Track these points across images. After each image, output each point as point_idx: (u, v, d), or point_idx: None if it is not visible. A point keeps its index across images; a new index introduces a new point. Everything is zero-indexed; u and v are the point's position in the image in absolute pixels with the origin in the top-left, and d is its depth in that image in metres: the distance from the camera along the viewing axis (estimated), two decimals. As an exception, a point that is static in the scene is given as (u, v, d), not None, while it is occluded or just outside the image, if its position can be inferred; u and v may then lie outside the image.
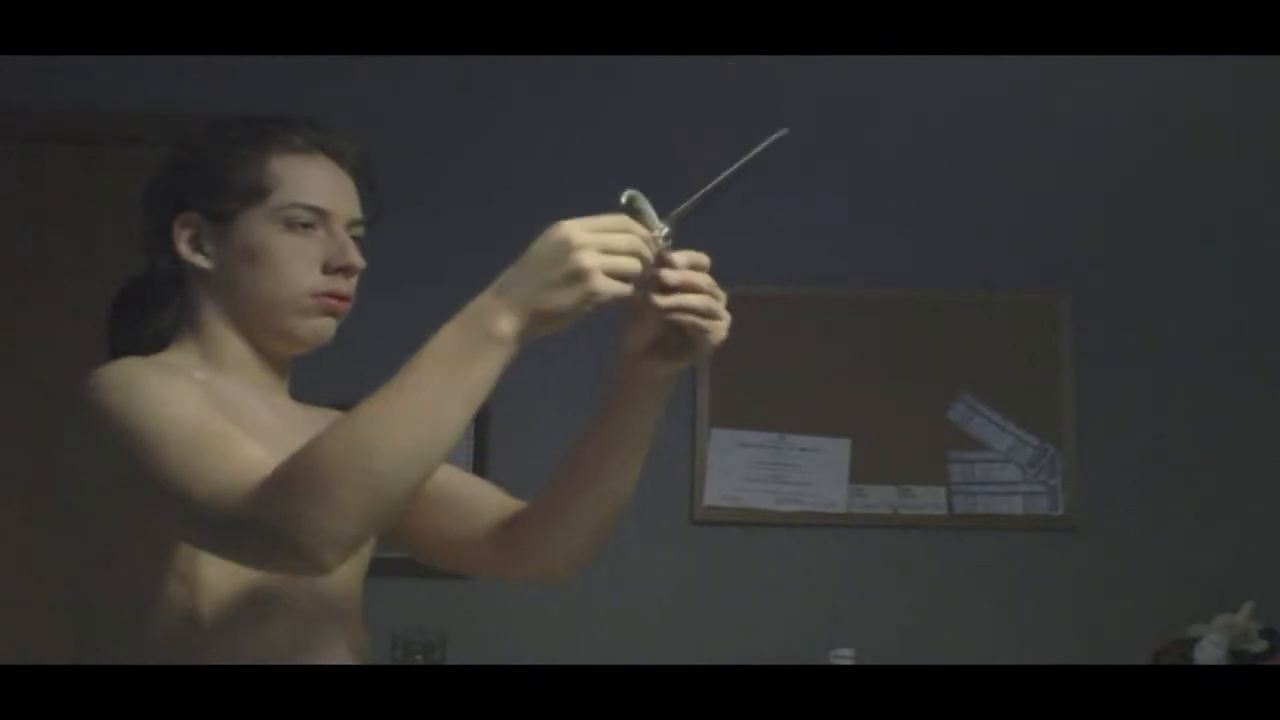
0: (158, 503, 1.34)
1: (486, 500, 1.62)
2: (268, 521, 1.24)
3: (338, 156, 1.56)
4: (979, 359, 3.38)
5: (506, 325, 1.27)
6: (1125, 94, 3.45)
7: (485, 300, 1.29)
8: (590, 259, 1.28)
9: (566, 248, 1.29)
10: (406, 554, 1.63)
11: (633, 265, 1.32)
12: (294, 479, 1.24)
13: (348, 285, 1.53)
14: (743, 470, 3.31)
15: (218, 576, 1.40)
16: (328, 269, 1.51)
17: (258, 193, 1.50)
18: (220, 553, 1.34)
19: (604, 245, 1.31)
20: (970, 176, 3.45)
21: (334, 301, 1.52)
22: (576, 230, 1.31)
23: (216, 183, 1.51)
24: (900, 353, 3.38)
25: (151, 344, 1.53)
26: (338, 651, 1.49)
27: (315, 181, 1.52)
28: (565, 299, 1.27)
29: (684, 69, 3.33)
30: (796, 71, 3.35)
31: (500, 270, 1.33)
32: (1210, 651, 2.73)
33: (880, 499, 3.32)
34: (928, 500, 3.32)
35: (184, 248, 1.52)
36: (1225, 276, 3.43)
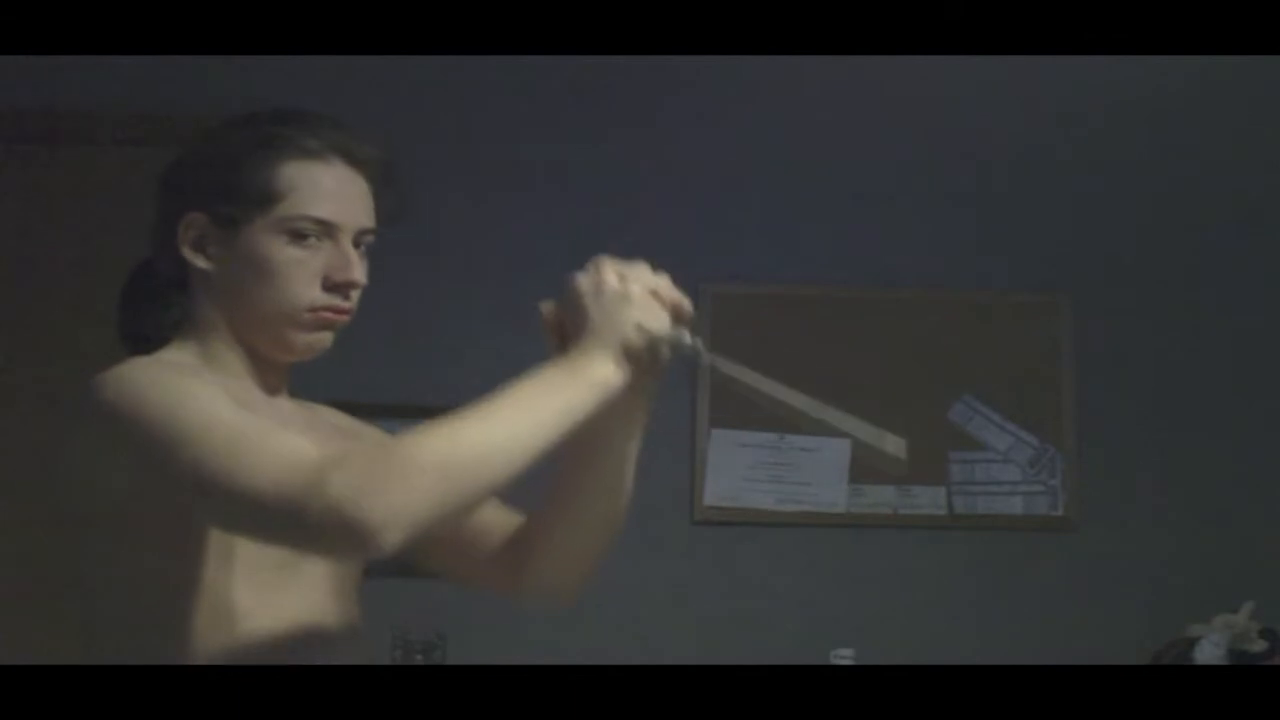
0: (197, 498, 1.33)
1: (493, 516, 1.62)
2: (333, 500, 1.23)
3: (354, 160, 1.53)
4: (979, 359, 3.38)
5: (597, 363, 1.38)
6: (1126, 94, 3.44)
7: (583, 349, 1.39)
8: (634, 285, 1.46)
9: (609, 282, 1.44)
10: (411, 561, 1.63)
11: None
12: (375, 459, 1.25)
13: (348, 301, 1.52)
14: (743, 470, 3.31)
15: (216, 574, 1.41)
16: (328, 284, 1.50)
17: (266, 200, 1.48)
18: (265, 537, 1.32)
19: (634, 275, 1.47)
20: (971, 177, 3.46)
21: (331, 316, 1.51)
22: (608, 266, 1.46)
23: (225, 186, 1.49)
24: (900, 353, 3.38)
25: (157, 336, 1.53)
26: (339, 628, 1.50)
27: (326, 191, 1.50)
28: (627, 320, 1.41)
29: (685, 69, 3.33)
30: (797, 72, 3.35)
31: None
32: (1210, 651, 2.73)
33: (880, 499, 3.32)
34: (928, 500, 3.32)
35: (187, 248, 1.52)
36: (1225, 276, 3.44)
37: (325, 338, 1.53)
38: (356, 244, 1.53)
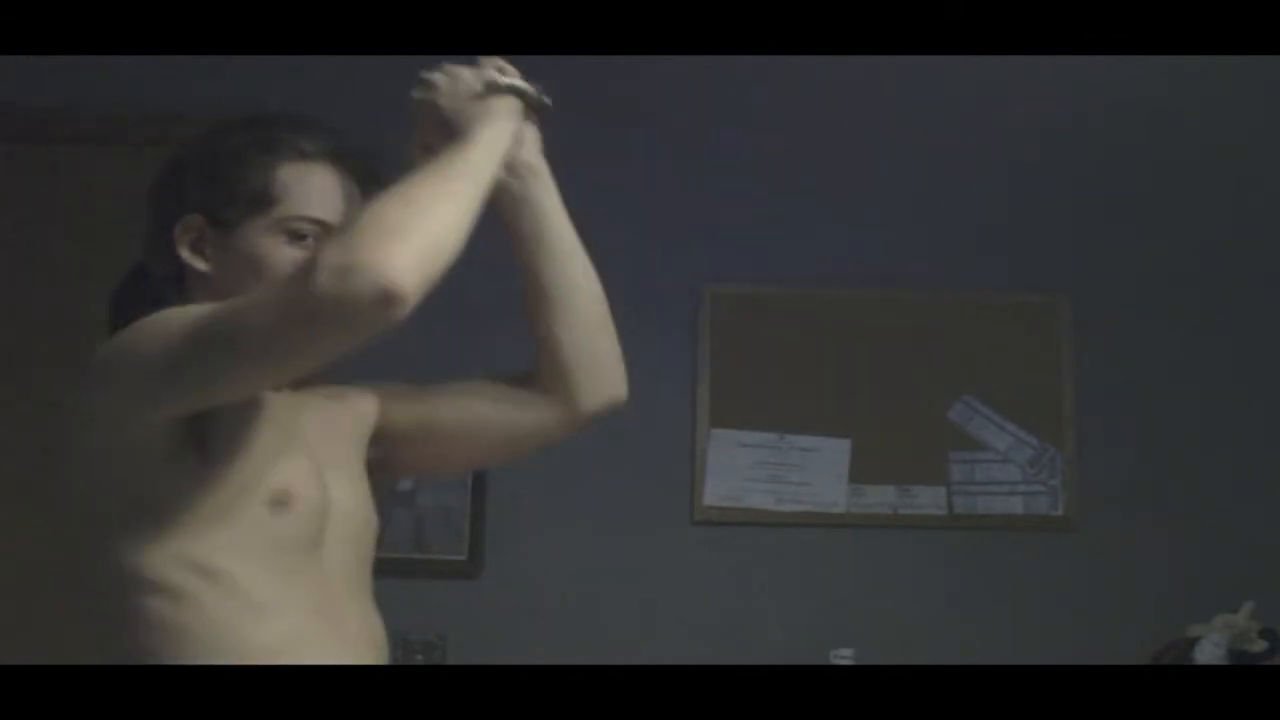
0: (207, 364, 1.34)
1: (504, 386, 1.69)
2: (344, 268, 1.25)
3: (349, 164, 1.55)
4: (979, 359, 3.38)
5: (479, 129, 1.47)
6: (1126, 94, 3.44)
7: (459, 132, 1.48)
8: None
9: (439, 81, 1.54)
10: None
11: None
12: (362, 229, 1.28)
13: None
14: (743, 470, 3.31)
15: (232, 564, 1.41)
16: None
17: (262, 202, 1.50)
18: (309, 342, 1.31)
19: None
20: (971, 177, 3.46)
21: None
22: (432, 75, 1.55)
23: (222, 189, 1.51)
24: (900, 353, 3.38)
25: None
26: (354, 629, 1.50)
27: (322, 192, 1.52)
28: (471, 89, 1.51)
29: (684, 69, 3.33)
30: (797, 72, 3.35)
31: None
32: (1210, 651, 2.73)
33: (880, 499, 3.32)
34: (928, 500, 3.32)
35: (184, 250, 1.52)
36: (1225, 276, 3.43)
37: None
38: None
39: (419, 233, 1.29)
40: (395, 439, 1.68)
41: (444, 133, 1.49)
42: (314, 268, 1.26)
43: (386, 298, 1.25)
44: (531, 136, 1.61)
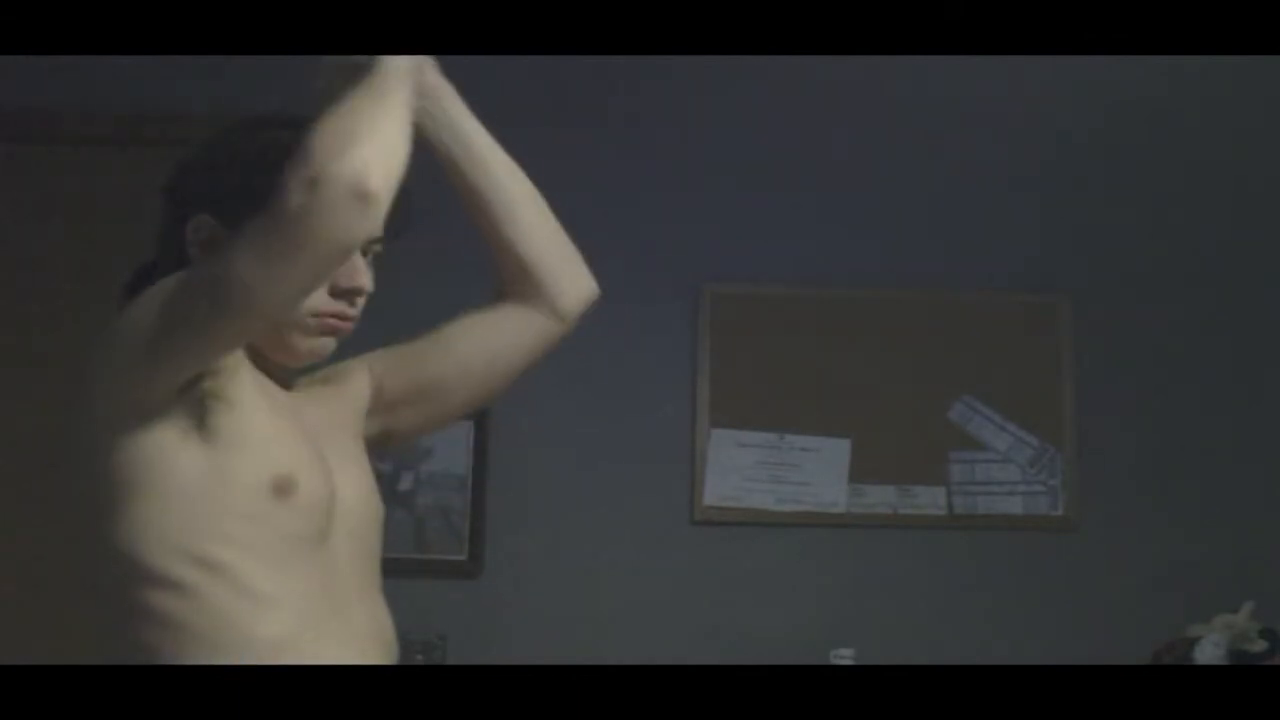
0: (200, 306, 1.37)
1: (484, 314, 1.73)
2: (310, 180, 1.29)
3: None
4: (979, 359, 3.38)
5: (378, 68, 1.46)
6: (1126, 94, 3.44)
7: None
8: None
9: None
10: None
11: None
12: (315, 147, 1.31)
13: (353, 308, 1.54)
14: (743, 470, 3.31)
15: (236, 557, 1.42)
16: (335, 290, 1.52)
17: None
18: (281, 273, 1.34)
19: None
20: (971, 177, 3.45)
21: (336, 322, 1.53)
22: None
23: (233, 190, 1.51)
24: (900, 353, 3.38)
25: None
26: (361, 625, 1.50)
27: None
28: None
29: (684, 69, 3.33)
30: (798, 72, 3.35)
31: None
32: (1210, 651, 2.73)
33: (880, 499, 3.32)
34: (928, 500, 3.32)
35: (194, 250, 1.52)
36: (1225, 277, 3.43)
37: (328, 344, 1.55)
38: (364, 252, 1.54)
39: (370, 135, 1.34)
40: (394, 405, 1.69)
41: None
42: (281, 195, 1.29)
43: (358, 195, 1.29)
44: (428, 64, 1.66)
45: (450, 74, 3.79)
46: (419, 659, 3.05)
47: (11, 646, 2.83)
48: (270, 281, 1.33)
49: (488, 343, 1.72)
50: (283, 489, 1.45)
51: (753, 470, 3.31)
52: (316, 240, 1.31)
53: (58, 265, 3.29)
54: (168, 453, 1.41)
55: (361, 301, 1.55)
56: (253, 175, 1.50)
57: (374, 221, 1.33)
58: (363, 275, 1.53)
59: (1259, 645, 2.73)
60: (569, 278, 1.73)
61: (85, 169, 3.34)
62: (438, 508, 3.24)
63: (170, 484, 1.41)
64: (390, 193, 1.34)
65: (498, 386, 1.75)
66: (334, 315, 1.52)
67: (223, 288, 1.34)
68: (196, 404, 1.42)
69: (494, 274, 1.74)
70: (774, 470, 3.31)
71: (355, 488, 1.57)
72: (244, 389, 1.46)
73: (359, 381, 1.68)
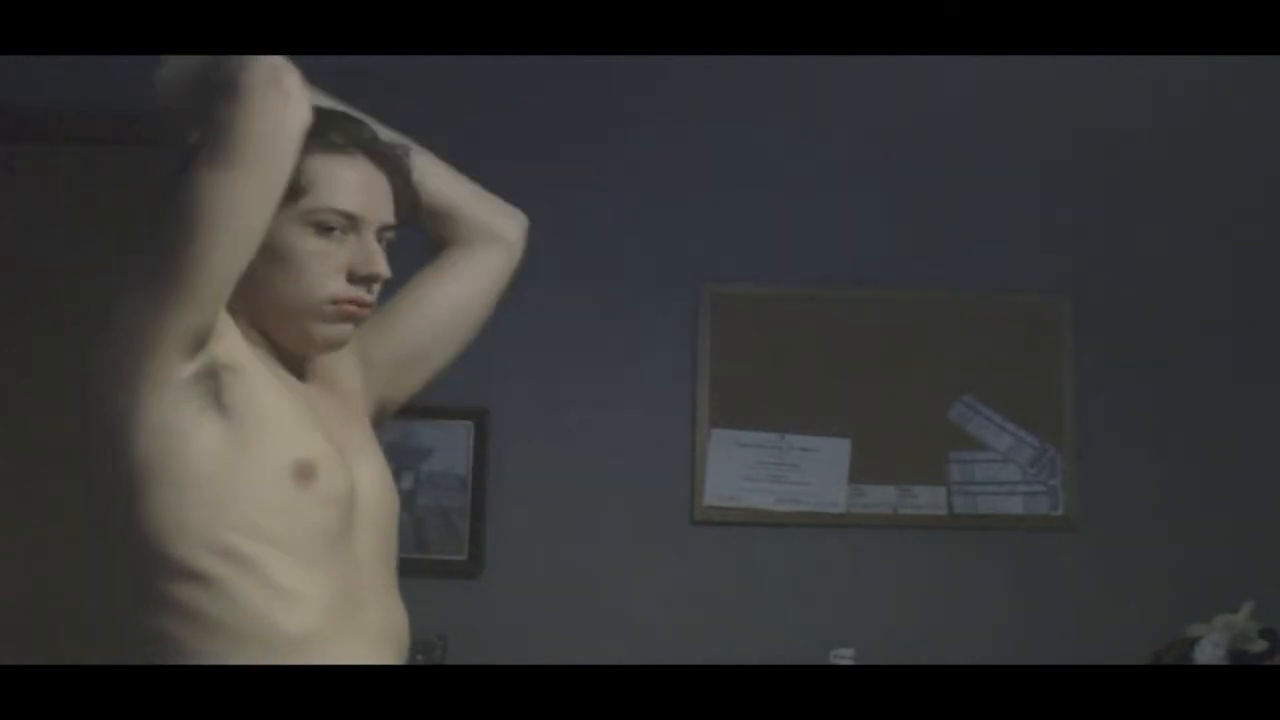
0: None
1: (440, 267, 1.75)
2: (237, 89, 1.40)
3: (378, 157, 1.56)
4: (979, 359, 3.38)
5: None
6: (1127, 95, 3.44)
7: None
8: None
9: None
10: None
11: None
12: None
13: (370, 294, 1.54)
14: (743, 470, 3.31)
15: (261, 551, 1.42)
16: (353, 277, 1.53)
17: (292, 193, 1.49)
18: (237, 168, 1.39)
19: None
20: (972, 177, 3.45)
21: (354, 309, 1.53)
22: None
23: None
24: (900, 353, 3.38)
25: None
26: (376, 622, 1.52)
27: (351, 185, 1.53)
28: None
29: (685, 70, 3.33)
30: (798, 72, 3.35)
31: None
32: (1210, 651, 2.73)
33: (880, 499, 3.32)
34: (928, 500, 3.32)
35: None
36: (1225, 277, 3.43)
37: (346, 330, 1.55)
38: (379, 239, 1.55)
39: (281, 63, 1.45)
40: (382, 374, 1.69)
41: None
42: (217, 111, 1.40)
43: (274, 84, 1.40)
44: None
45: (451, 75, 3.82)
46: (419, 659, 3.04)
47: (11, 647, 2.83)
48: (229, 185, 1.37)
49: (459, 296, 1.74)
50: (304, 474, 1.45)
51: (753, 470, 3.31)
52: (251, 133, 1.37)
53: (58, 265, 3.28)
54: (187, 432, 1.41)
55: (378, 287, 1.56)
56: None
57: (296, 107, 1.40)
58: (380, 261, 1.54)
59: (1259, 645, 2.73)
60: (500, 211, 1.78)
61: (85, 169, 3.34)
62: (438, 508, 3.24)
63: (189, 466, 1.41)
64: (304, 91, 1.42)
65: (473, 331, 1.77)
66: (352, 301, 1.53)
67: (189, 210, 1.38)
68: (210, 377, 1.42)
69: (430, 236, 1.76)
70: (774, 470, 3.31)
71: (373, 480, 1.57)
72: (257, 371, 1.47)
73: (349, 369, 1.68)
